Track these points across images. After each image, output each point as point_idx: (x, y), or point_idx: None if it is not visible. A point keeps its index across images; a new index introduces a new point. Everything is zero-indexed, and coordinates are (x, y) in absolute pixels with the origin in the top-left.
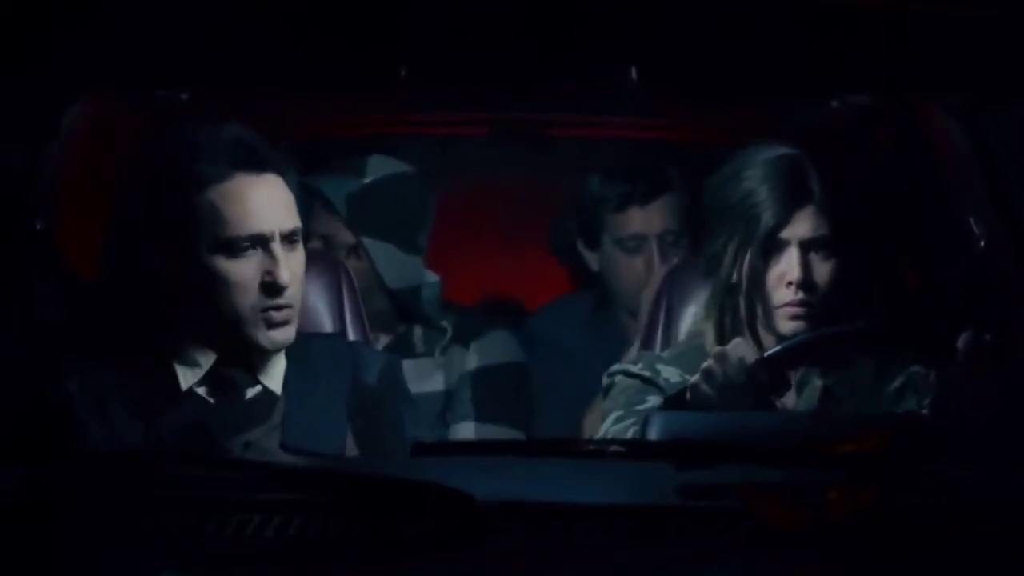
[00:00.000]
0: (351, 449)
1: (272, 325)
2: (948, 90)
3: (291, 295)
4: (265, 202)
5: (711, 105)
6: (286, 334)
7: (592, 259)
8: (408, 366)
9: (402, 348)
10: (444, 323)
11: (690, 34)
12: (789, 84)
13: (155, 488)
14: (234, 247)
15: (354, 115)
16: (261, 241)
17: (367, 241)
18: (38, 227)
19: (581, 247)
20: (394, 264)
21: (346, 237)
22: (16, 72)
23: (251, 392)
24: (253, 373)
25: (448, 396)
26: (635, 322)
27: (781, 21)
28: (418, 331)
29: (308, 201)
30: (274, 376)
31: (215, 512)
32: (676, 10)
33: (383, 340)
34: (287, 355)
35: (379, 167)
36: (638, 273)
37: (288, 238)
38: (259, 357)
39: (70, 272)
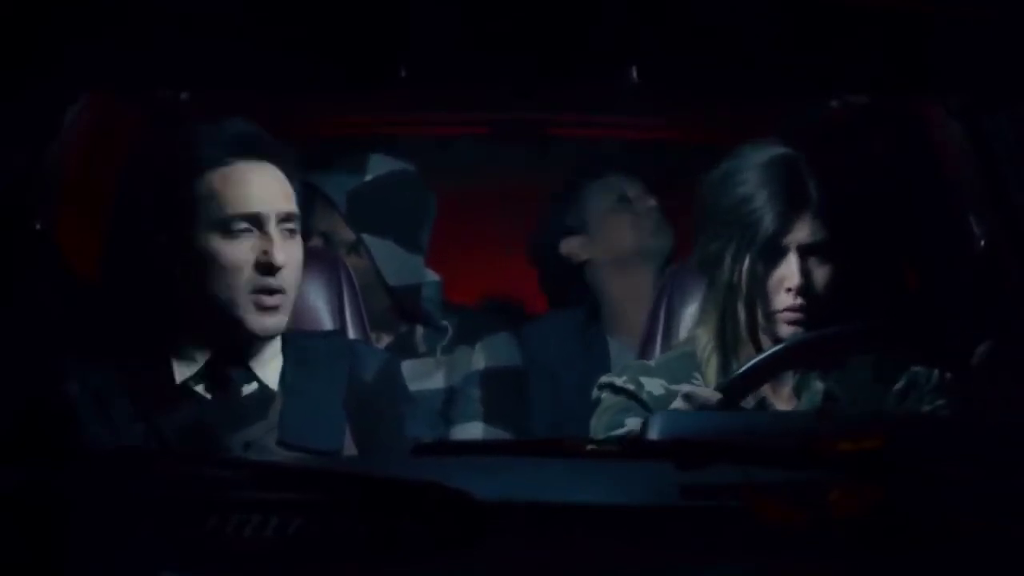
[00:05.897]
0: (350, 448)
1: (263, 309)
2: (948, 90)
3: (285, 278)
4: (263, 186)
5: (711, 105)
6: (276, 321)
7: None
8: (409, 366)
9: (403, 347)
10: (445, 323)
11: (690, 34)
12: (789, 84)
13: (154, 488)
14: (231, 227)
15: (354, 115)
16: (257, 222)
17: (368, 238)
18: (38, 227)
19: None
20: (394, 262)
21: (346, 234)
22: (16, 72)
23: (247, 389)
24: (246, 365)
25: (449, 396)
26: (628, 337)
27: (781, 21)
28: (419, 331)
29: (309, 198)
30: (270, 373)
31: (215, 512)
32: (676, 10)
33: (384, 339)
34: (284, 352)
35: (380, 165)
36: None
37: (285, 221)
38: (251, 346)
39: (70, 272)
